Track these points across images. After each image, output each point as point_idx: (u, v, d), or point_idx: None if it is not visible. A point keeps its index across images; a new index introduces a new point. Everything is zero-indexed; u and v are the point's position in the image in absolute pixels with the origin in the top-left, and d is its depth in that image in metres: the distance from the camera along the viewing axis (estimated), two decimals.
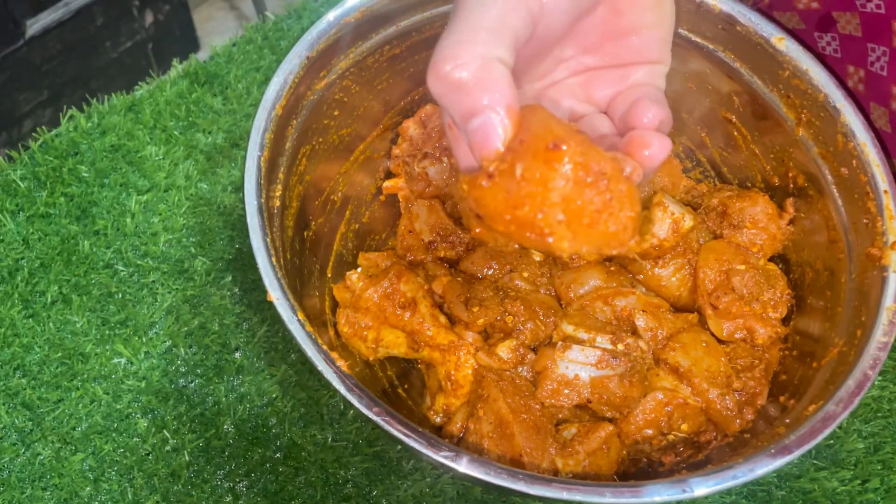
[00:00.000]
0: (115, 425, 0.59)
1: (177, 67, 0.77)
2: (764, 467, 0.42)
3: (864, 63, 0.53)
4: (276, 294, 0.45)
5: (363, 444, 0.59)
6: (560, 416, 0.53)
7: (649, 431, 0.52)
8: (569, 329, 0.54)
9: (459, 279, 0.57)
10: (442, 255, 0.61)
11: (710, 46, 0.58)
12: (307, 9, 0.83)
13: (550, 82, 0.50)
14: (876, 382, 0.62)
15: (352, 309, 0.55)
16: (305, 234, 0.57)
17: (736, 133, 0.61)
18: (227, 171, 0.71)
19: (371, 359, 0.56)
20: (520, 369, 0.54)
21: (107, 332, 0.63)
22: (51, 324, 0.62)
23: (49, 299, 0.63)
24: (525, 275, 0.58)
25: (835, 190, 0.54)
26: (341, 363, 0.43)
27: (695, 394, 0.52)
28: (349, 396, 0.42)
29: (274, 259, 0.46)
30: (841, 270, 0.52)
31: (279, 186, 0.52)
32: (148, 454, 0.58)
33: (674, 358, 0.53)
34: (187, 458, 0.58)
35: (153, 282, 0.65)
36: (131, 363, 0.61)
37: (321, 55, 0.53)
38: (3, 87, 1.13)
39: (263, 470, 0.58)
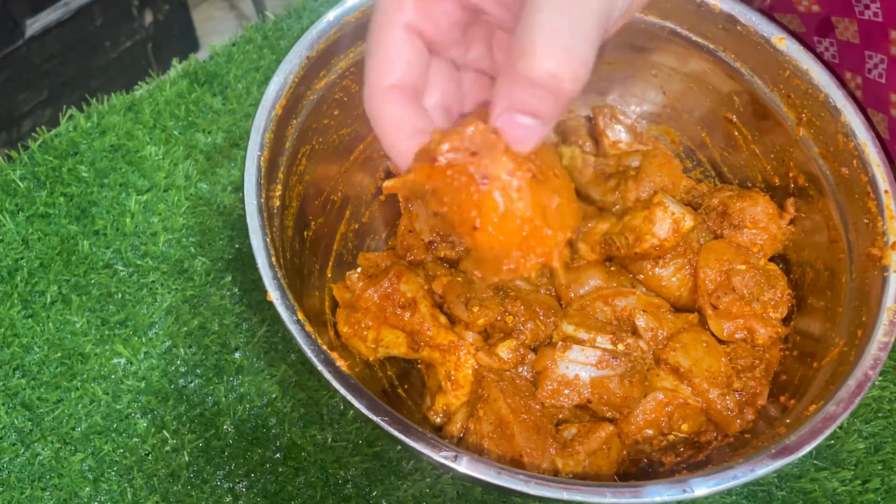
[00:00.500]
0: (115, 425, 0.59)
1: (176, 67, 0.77)
2: (764, 467, 0.41)
3: (861, 70, 0.54)
4: (275, 294, 0.45)
5: (363, 444, 0.59)
6: (560, 416, 0.53)
7: (649, 431, 0.52)
8: (569, 329, 0.54)
9: (459, 279, 0.57)
10: (442, 255, 0.61)
11: (711, 46, 0.58)
12: (307, 9, 0.83)
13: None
14: (876, 382, 0.62)
15: (352, 309, 0.55)
16: (305, 233, 0.57)
17: (736, 133, 0.61)
18: (226, 171, 0.71)
19: (371, 359, 0.56)
20: (520, 369, 0.54)
21: (106, 332, 0.62)
22: (50, 324, 0.62)
23: (49, 299, 0.63)
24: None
25: (835, 190, 0.54)
26: (341, 363, 0.43)
27: (695, 394, 0.52)
28: (349, 396, 0.42)
29: (274, 259, 0.46)
30: (841, 270, 0.52)
31: (279, 186, 0.52)
32: (147, 454, 0.58)
33: (674, 358, 0.53)
34: (187, 458, 0.58)
35: (153, 282, 0.65)
36: (131, 363, 0.61)
37: (321, 55, 0.53)
38: (3, 87, 1.13)
39: (263, 470, 0.58)
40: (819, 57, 0.54)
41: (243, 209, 0.48)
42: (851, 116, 0.52)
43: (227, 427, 0.59)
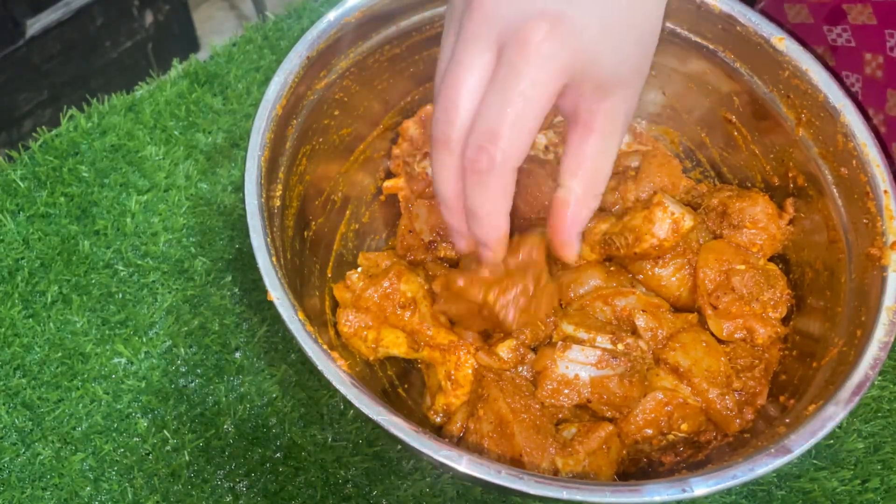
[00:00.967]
0: (116, 425, 0.59)
1: (177, 67, 0.77)
2: (764, 467, 0.42)
3: (882, 49, 0.53)
4: (276, 294, 0.45)
5: (363, 444, 0.59)
6: (560, 415, 0.53)
7: (649, 431, 0.52)
8: (569, 329, 0.54)
9: None
10: (442, 255, 0.61)
11: (710, 46, 0.58)
12: (307, 9, 0.83)
13: None
14: (876, 382, 0.62)
15: (352, 309, 0.55)
16: (306, 233, 0.57)
17: (736, 133, 0.61)
18: (227, 171, 0.71)
19: (371, 359, 0.56)
20: (520, 369, 0.54)
21: (107, 331, 0.63)
22: (51, 324, 0.62)
23: (49, 299, 0.63)
24: None
25: (835, 190, 0.54)
26: (341, 363, 0.43)
27: (695, 394, 0.52)
28: (349, 396, 0.42)
29: (274, 259, 0.46)
30: (841, 270, 0.52)
31: (279, 186, 0.52)
32: (148, 454, 0.58)
33: (674, 358, 0.53)
34: (187, 457, 0.58)
35: (153, 282, 0.65)
36: (131, 363, 0.61)
37: (321, 55, 0.53)
38: (3, 87, 1.14)
39: (263, 470, 0.58)
40: (831, 45, 0.54)
41: (244, 209, 0.48)
42: (851, 116, 0.52)
43: (227, 427, 0.59)
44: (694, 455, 0.53)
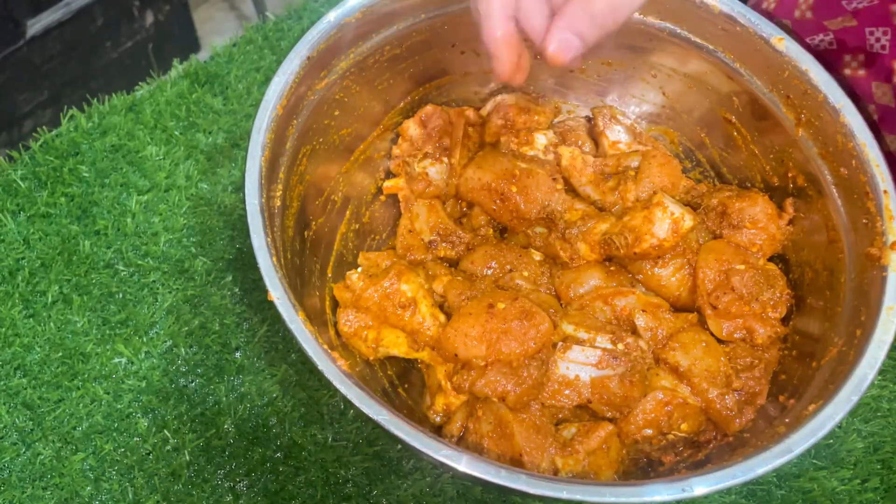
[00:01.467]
0: (116, 425, 0.59)
1: (177, 67, 0.77)
2: (764, 467, 0.42)
3: None
4: (276, 294, 0.45)
5: (363, 443, 0.59)
6: (560, 415, 0.53)
7: (649, 431, 0.52)
8: (569, 329, 0.54)
9: (460, 278, 0.57)
10: (442, 255, 0.61)
11: (710, 47, 0.58)
12: (307, 9, 0.83)
13: None
14: (875, 382, 0.62)
15: (352, 308, 0.55)
16: (306, 233, 0.57)
17: (736, 133, 0.61)
18: (227, 171, 0.71)
19: (371, 359, 0.56)
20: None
21: (107, 331, 0.63)
22: (51, 324, 0.62)
23: (50, 299, 0.63)
24: (525, 274, 0.58)
25: (834, 190, 0.54)
26: (341, 363, 0.43)
27: (694, 393, 0.52)
28: (350, 396, 0.42)
29: (274, 259, 0.46)
30: (840, 270, 0.52)
31: (280, 186, 0.52)
32: (148, 454, 0.58)
33: (674, 358, 0.53)
34: (188, 457, 0.58)
35: (154, 282, 0.65)
36: (132, 363, 0.62)
37: (322, 55, 0.53)
38: (4, 87, 1.14)
39: (264, 469, 0.58)
40: (868, 50, 0.55)
41: (244, 209, 0.48)
42: (850, 116, 0.52)
43: (227, 426, 0.59)
44: (694, 455, 0.53)
